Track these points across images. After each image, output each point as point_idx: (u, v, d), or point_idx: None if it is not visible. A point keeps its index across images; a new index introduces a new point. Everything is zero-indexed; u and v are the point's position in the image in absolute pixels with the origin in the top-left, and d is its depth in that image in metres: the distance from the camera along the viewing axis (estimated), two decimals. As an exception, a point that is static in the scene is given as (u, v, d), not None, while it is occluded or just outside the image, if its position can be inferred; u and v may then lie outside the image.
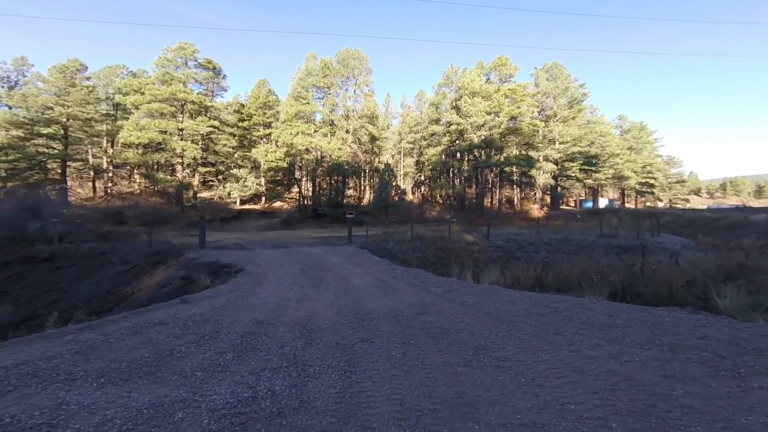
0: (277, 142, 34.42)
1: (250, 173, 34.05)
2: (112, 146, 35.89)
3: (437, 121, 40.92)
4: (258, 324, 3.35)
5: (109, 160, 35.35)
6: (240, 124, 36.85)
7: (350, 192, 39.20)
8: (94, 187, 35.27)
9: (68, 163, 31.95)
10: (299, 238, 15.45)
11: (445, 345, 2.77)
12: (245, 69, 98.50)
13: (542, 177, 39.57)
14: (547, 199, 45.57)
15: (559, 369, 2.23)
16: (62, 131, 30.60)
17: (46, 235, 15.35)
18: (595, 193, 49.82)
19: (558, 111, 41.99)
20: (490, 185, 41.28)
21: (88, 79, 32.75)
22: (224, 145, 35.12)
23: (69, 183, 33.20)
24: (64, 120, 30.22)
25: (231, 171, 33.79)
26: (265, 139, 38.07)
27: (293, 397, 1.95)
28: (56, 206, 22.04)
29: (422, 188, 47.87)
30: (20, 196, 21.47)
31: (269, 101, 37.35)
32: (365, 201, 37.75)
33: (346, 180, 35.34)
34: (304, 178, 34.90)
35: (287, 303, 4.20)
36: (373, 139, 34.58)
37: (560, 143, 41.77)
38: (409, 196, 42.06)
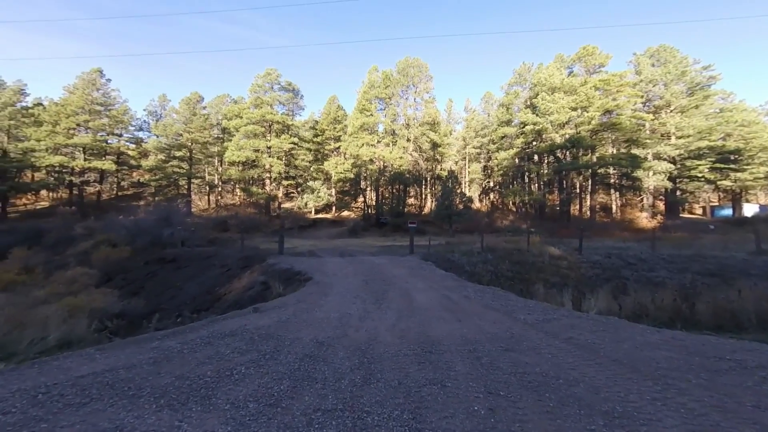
0: (345, 154, 36.57)
1: (323, 185, 36.86)
2: (221, 165, 43.45)
3: (508, 123, 37.67)
4: (318, 345, 3.11)
5: (219, 176, 42.86)
6: (315, 139, 40.52)
7: (411, 201, 38.89)
8: (209, 200, 43.02)
9: (192, 180, 39.88)
10: (363, 247, 15.66)
11: (554, 403, 2.02)
12: (318, 87, 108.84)
13: (652, 179, 32.40)
14: (660, 205, 37.00)
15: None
16: (188, 154, 38.48)
17: (174, 240, 19.02)
18: (736, 197, 38.38)
19: (672, 100, 34.08)
20: (577, 190, 35.74)
21: (204, 108, 40.57)
22: (302, 160, 38.98)
23: (192, 196, 41.34)
24: (189, 144, 37.94)
25: (307, 183, 37.15)
26: (335, 152, 40.92)
27: (345, 462, 1.54)
28: (182, 216, 27.45)
29: (491, 195, 44.43)
30: (159, 208, 27.52)
31: (338, 116, 40.16)
32: (426, 209, 36.89)
33: (408, 189, 35.19)
34: (368, 188, 36.07)
35: (348, 320, 3.93)
36: (435, 146, 33.76)
37: (678, 138, 33.68)
38: (476, 204, 39.41)
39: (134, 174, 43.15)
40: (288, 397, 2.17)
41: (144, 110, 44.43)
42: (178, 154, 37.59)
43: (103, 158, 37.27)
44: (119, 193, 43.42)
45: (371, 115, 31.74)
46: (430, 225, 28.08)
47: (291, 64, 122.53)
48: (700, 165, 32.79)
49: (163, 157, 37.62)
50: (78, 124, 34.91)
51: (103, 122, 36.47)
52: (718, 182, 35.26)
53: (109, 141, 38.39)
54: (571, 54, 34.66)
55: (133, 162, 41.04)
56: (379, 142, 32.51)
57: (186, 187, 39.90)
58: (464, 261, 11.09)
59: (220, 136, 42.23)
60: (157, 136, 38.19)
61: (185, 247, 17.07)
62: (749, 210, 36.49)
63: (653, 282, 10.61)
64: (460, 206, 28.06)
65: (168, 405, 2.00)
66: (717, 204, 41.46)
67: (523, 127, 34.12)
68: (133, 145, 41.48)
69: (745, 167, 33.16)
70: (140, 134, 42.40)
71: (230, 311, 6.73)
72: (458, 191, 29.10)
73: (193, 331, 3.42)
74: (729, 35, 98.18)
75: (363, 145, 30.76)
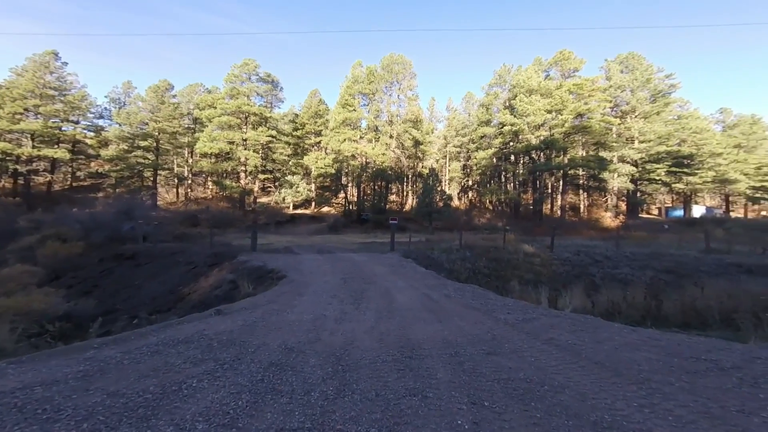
0: (326, 149, 35.78)
1: (302, 179, 35.84)
2: (191, 156, 40.96)
3: (488, 123, 38.60)
4: (287, 351, 2.81)
5: (189, 168, 40.40)
6: (294, 133, 39.25)
7: (393, 197, 38.88)
8: (178, 193, 40.47)
9: (158, 171, 37.28)
10: (343, 244, 15.31)
11: (541, 414, 1.87)
12: (300, 81, 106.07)
13: (617, 180, 34.47)
14: (622, 205, 39.53)
15: None
16: (155, 144, 35.90)
17: (135, 235, 17.60)
18: (687, 199, 41.82)
19: (637, 106, 36.41)
20: (550, 190, 37.33)
21: (174, 97, 37.95)
22: (281, 154, 37.63)
23: (159, 189, 38.65)
24: (156, 134, 35.39)
25: (286, 177, 35.95)
26: (316, 147, 39.93)
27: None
28: (145, 209, 25.54)
29: (470, 194, 45.41)
30: (120, 200, 25.39)
31: (320, 110, 39.17)
32: (408, 206, 37.08)
33: (389, 185, 35.11)
34: (350, 184, 35.59)
35: (323, 323, 3.64)
36: (417, 143, 33.90)
37: (640, 142, 36.06)
38: (455, 202, 40.13)
39: (93, 164, 39.64)
40: (246, 414, 1.87)
41: (106, 97, 40.75)
42: (143, 143, 34.97)
43: (56, 146, 33.90)
44: (74, 184, 39.73)
45: (354, 110, 31.19)
46: (411, 222, 28.15)
47: (271, 57, 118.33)
48: (658, 168, 35.33)
49: (126, 147, 34.86)
50: (26, 109, 31.47)
51: (57, 108, 33.14)
52: (673, 185, 38.22)
53: (63, 128, 34.96)
54: (549, 58, 35.97)
55: (91, 151, 37.68)
56: (361, 137, 32.05)
57: (152, 179, 37.28)
58: (444, 258, 11.11)
59: (192, 126, 39.79)
60: (120, 125, 35.29)
61: (147, 242, 15.84)
62: (697, 211, 39.98)
63: (618, 278, 11.19)
64: (441, 204, 28.35)
65: (93, 429, 1.63)
66: (670, 205, 44.98)
67: (502, 128, 35.02)
68: (92, 134, 38.04)
69: (696, 171, 36.15)
70: (101, 122, 38.96)
71: (194, 312, 6.21)
72: (439, 189, 29.38)
73: (140, 338, 2.98)
74: (687, 45, 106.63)
75: (345, 140, 30.18)
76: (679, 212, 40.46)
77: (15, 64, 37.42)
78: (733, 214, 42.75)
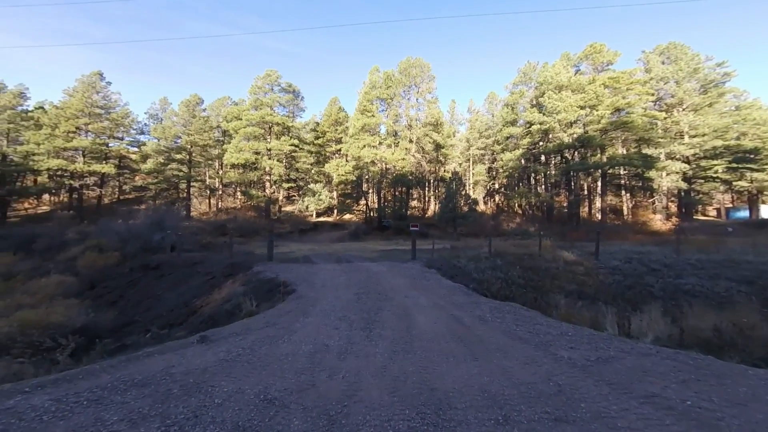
0: (346, 156, 35.73)
1: (324, 187, 35.96)
2: (221, 168, 42.77)
3: (513, 123, 36.67)
4: (265, 405, 2.05)
5: (219, 179, 42.17)
6: (316, 141, 39.77)
7: (414, 203, 37.85)
8: (210, 204, 42.30)
9: (192, 183, 39.22)
10: (364, 251, 14.61)
11: None
12: (320, 89, 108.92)
13: (666, 180, 31.06)
14: (673, 207, 35.50)
15: None
16: (188, 156, 37.87)
17: (164, 245, 18.08)
18: (753, 198, 36.81)
19: (685, 98, 32.85)
20: (586, 192, 34.45)
21: (204, 110, 39.99)
22: (304, 162, 38.17)
23: (193, 200, 40.62)
24: (189, 147, 37.35)
25: (308, 186, 36.27)
26: (337, 154, 40.11)
27: None
28: (176, 220, 26.57)
29: (497, 197, 43.23)
30: (154, 211, 26.66)
31: (339, 117, 39.41)
32: (430, 212, 35.86)
33: (410, 191, 34.21)
34: (370, 191, 35.13)
35: (323, 358, 2.86)
36: (438, 147, 32.77)
37: (691, 137, 32.35)
38: (481, 207, 38.24)
39: (136, 178, 42.66)
40: None
41: (145, 113, 43.99)
42: (177, 156, 37.02)
43: (104, 162, 36.80)
44: (121, 197, 42.98)
45: (373, 116, 30.91)
46: (433, 228, 27.03)
47: (292, 67, 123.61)
48: (715, 165, 31.37)
49: (162, 160, 37.07)
50: (77, 128, 34.52)
51: (104, 125, 36.06)
52: (734, 183, 33.77)
53: (109, 144, 37.94)
54: (578, 52, 33.73)
55: (134, 165, 40.60)
56: (381, 143, 31.62)
57: (186, 190, 39.27)
58: (471, 267, 10.05)
59: (221, 138, 41.66)
60: (157, 139, 37.69)
61: (174, 252, 16.13)
62: (766, 212, 34.88)
63: (683, 290, 9.47)
64: (465, 209, 26.99)
65: None
66: (731, 205, 39.89)
67: (529, 127, 33.09)
68: (135, 149, 41.03)
69: (764, 167, 31.66)
70: (142, 138, 41.94)
71: (203, 327, 5.72)
72: (463, 193, 28.06)
73: (90, 377, 2.38)
74: (740, 34, 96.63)
75: (364, 146, 29.88)
76: (744, 213, 35.65)
77: (67, 85, 41.46)
78: (812, 215, 36.89)
